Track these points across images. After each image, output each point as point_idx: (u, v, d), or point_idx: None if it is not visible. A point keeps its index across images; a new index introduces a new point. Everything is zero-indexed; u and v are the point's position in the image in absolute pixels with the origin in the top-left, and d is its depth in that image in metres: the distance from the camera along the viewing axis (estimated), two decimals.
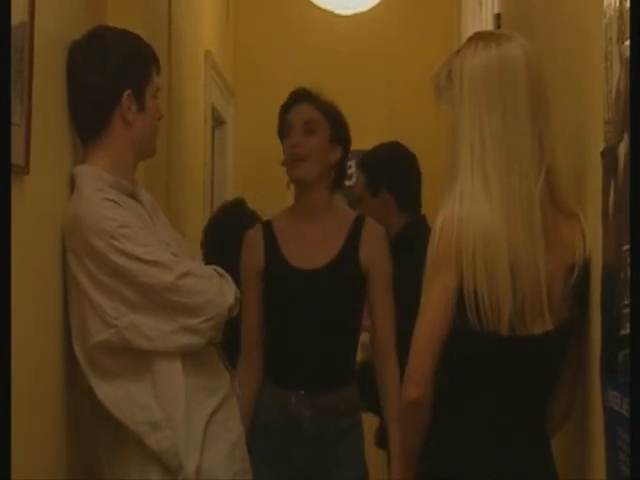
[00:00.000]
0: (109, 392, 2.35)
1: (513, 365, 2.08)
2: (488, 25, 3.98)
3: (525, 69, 2.08)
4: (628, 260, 1.67)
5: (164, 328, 2.35)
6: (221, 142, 5.74)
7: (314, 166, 3.01)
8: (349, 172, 4.72)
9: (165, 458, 2.35)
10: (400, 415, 2.21)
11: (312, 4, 5.36)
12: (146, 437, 2.34)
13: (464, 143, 2.07)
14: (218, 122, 5.60)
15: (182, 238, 2.68)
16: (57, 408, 2.36)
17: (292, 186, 3.09)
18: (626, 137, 1.70)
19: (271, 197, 4.23)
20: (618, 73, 1.76)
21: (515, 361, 2.07)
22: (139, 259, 2.32)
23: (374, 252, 3.02)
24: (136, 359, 2.36)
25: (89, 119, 2.48)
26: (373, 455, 3.31)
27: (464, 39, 2.29)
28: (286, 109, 3.09)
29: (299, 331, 2.99)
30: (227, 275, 2.50)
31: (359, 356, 3.21)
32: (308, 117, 3.04)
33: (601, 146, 1.88)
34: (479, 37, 2.16)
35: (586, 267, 2.04)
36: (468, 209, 2.03)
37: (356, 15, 5.47)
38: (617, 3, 1.77)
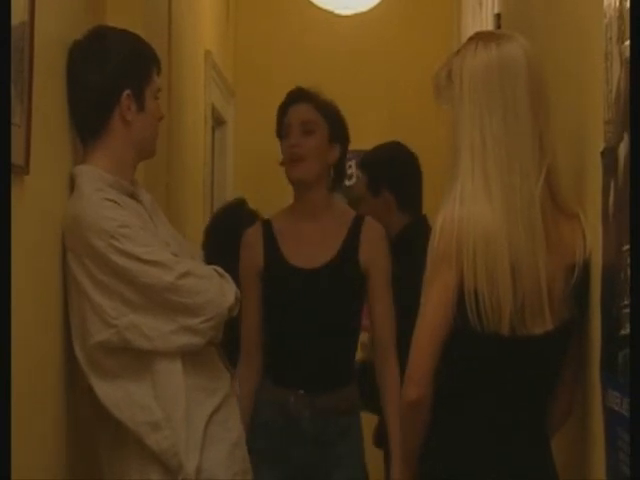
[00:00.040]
0: (109, 392, 2.35)
1: (513, 365, 2.08)
2: (488, 25, 3.97)
3: (525, 69, 2.08)
4: (628, 260, 1.67)
5: (164, 328, 2.35)
6: (221, 142, 5.73)
7: (313, 166, 3.00)
8: (349, 172, 4.72)
9: (165, 458, 2.35)
10: (400, 415, 2.22)
11: (312, 4, 5.36)
12: (146, 437, 2.34)
13: (464, 143, 2.07)
14: (218, 122, 5.60)
15: (182, 238, 2.68)
16: (57, 408, 2.36)
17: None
18: (626, 137, 1.70)
19: (271, 197, 4.24)
20: (618, 73, 1.76)
21: (515, 361, 2.07)
22: (139, 259, 2.32)
23: (373, 251, 3.01)
24: (136, 359, 2.36)
25: (89, 119, 2.48)
26: (372, 454, 3.31)
27: (464, 39, 2.29)
28: (284, 109, 3.08)
29: (298, 331, 2.98)
30: (227, 275, 2.49)
31: (359, 356, 3.21)
32: (306, 117, 3.04)
33: (601, 146, 1.87)
34: (479, 37, 2.16)
35: (586, 267, 2.04)
36: (468, 209, 2.02)
37: (356, 15, 5.47)
38: (617, 3, 1.77)
